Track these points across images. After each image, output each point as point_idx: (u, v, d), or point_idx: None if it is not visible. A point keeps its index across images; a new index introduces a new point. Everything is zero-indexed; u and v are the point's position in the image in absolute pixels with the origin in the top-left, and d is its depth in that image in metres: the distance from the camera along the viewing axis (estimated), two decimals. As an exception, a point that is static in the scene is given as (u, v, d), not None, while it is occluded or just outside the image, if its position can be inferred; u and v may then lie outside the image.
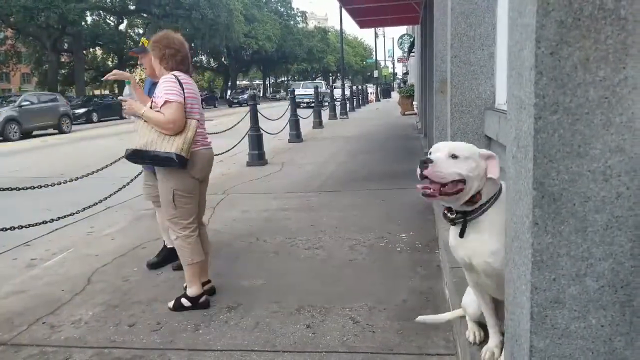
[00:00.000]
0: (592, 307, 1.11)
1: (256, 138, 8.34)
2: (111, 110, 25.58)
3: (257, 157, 8.32)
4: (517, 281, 1.23)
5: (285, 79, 74.00)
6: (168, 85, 2.84)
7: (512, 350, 1.31)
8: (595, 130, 1.06)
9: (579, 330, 1.12)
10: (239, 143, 8.31)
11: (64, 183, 4.30)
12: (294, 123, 11.63)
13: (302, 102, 28.06)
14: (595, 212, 1.08)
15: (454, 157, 1.65)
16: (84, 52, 37.27)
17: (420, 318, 2.37)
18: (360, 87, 34.99)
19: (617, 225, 1.08)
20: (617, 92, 1.04)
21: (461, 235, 1.73)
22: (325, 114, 17.68)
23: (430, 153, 1.72)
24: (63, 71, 38.49)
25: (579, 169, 1.07)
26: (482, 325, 2.05)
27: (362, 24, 15.21)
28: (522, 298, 1.19)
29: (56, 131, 19.13)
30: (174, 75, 2.90)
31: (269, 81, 67.12)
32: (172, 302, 2.98)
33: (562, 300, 1.12)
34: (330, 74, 75.86)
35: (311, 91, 22.23)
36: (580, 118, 1.06)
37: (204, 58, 52.47)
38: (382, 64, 61.72)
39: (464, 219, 1.71)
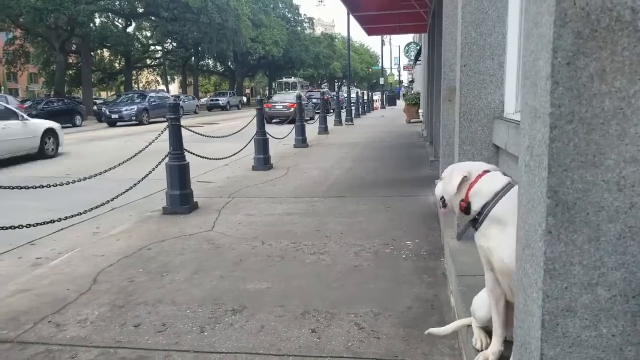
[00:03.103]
0: (603, 316, 1.12)
1: (262, 142, 8.37)
2: (60, 117, 21.97)
3: (263, 161, 8.35)
4: (528, 289, 1.23)
5: (291, 84, 74.22)
6: None
7: (521, 358, 1.31)
8: (610, 140, 1.07)
9: (590, 339, 1.13)
10: (244, 147, 8.33)
11: (71, 183, 4.32)
12: (300, 128, 11.67)
13: (277, 117, 21.16)
14: (608, 222, 1.09)
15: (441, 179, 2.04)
16: (92, 53, 37.50)
17: (430, 330, 2.36)
18: (367, 93, 35.02)
19: (630, 235, 1.08)
20: (633, 103, 1.05)
21: (458, 237, 2.03)
22: (330, 119, 17.72)
23: None
24: (70, 72, 38.76)
25: (594, 178, 1.08)
26: (488, 332, 2.05)
27: (370, 31, 15.27)
28: (533, 306, 1.19)
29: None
30: None
31: (274, 86, 67.32)
32: None
33: (573, 308, 1.12)
34: (336, 80, 76.12)
35: (291, 98, 18.02)
36: (596, 128, 1.07)
37: (210, 62, 52.75)
38: (388, 71, 61.86)
39: (472, 225, 1.87)
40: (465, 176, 1.87)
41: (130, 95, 27.17)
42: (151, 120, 24.44)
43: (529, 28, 1.24)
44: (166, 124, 5.47)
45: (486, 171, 1.86)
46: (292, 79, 51.67)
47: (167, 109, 5.65)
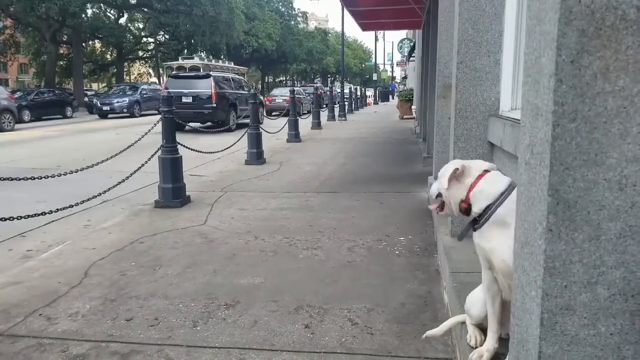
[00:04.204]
0: (602, 315, 1.12)
1: (255, 136, 8.34)
2: (51, 108, 23.29)
3: (256, 155, 8.32)
4: (527, 287, 1.23)
5: (284, 78, 74.03)
6: None
7: (518, 356, 1.31)
8: (612, 139, 1.06)
9: (588, 338, 1.13)
10: (237, 141, 8.29)
11: (64, 175, 4.28)
12: (293, 123, 11.64)
13: (276, 110, 20.62)
14: (609, 221, 1.09)
15: (435, 178, 1.92)
16: (83, 44, 37.14)
17: (427, 333, 2.33)
18: (360, 88, 34.99)
19: (631, 234, 1.08)
20: (636, 102, 1.05)
21: (459, 238, 1.93)
22: (323, 115, 17.70)
23: None
24: (61, 63, 38.36)
25: (595, 177, 1.08)
26: (482, 329, 2.06)
27: (365, 27, 15.22)
28: (532, 304, 1.19)
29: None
30: None
31: (267, 80, 67.10)
32: None
33: (572, 307, 1.13)
34: (329, 75, 76.05)
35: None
36: (598, 127, 1.06)
37: (203, 55, 52.49)
38: (381, 67, 61.87)
39: (472, 225, 1.82)
40: (457, 168, 1.82)
41: (122, 87, 27.13)
42: (143, 112, 24.48)
43: (531, 25, 1.23)
44: (158, 116, 5.43)
45: (486, 170, 1.83)
46: (196, 60, 30.75)
47: (158, 102, 5.62)
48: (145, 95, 25.18)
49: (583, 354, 1.14)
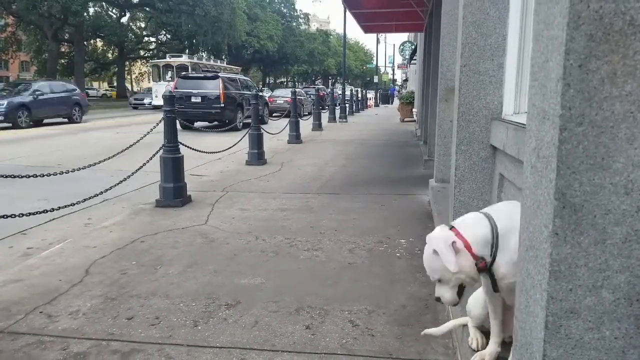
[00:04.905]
0: (606, 318, 1.12)
1: (256, 137, 8.34)
2: None
3: (257, 156, 8.32)
4: (531, 290, 1.24)
5: (285, 79, 74.08)
6: None
7: (522, 359, 1.31)
8: (619, 144, 1.07)
9: (593, 342, 1.13)
10: (238, 142, 8.30)
11: (65, 173, 4.28)
12: (294, 124, 11.65)
13: (277, 111, 20.03)
14: (615, 225, 1.09)
15: (439, 281, 1.81)
16: (85, 43, 37.19)
17: (426, 331, 2.34)
18: (361, 90, 35.05)
19: (636, 238, 1.09)
20: (643, 107, 1.05)
21: (495, 289, 1.74)
22: (324, 116, 17.71)
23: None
24: (63, 61, 38.42)
25: (601, 181, 1.08)
26: (484, 332, 2.06)
27: (367, 29, 15.26)
28: (536, 307, 1.19)
29: None
30: None
31: (269, 81, 67.15)
32: None
33: (577, 310, 1.13)
34: (330, 77, 76.11)
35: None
36: (605, 131, 1.07)
37: (204, 55, 52.58)
38: (382, 69, 61.92)
39: (489, 271, 1.71)
40: (454, 241, 1.67)
41: (21, 84, 19.46)
42: (35, 119, 17.22)
43: (539, 29, 1.23)
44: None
45: (452, 227, 1.76)
46: (184, 58, 30.72)
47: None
48: (40, 97, 17.59)
49: (587, 357, 1.14)
